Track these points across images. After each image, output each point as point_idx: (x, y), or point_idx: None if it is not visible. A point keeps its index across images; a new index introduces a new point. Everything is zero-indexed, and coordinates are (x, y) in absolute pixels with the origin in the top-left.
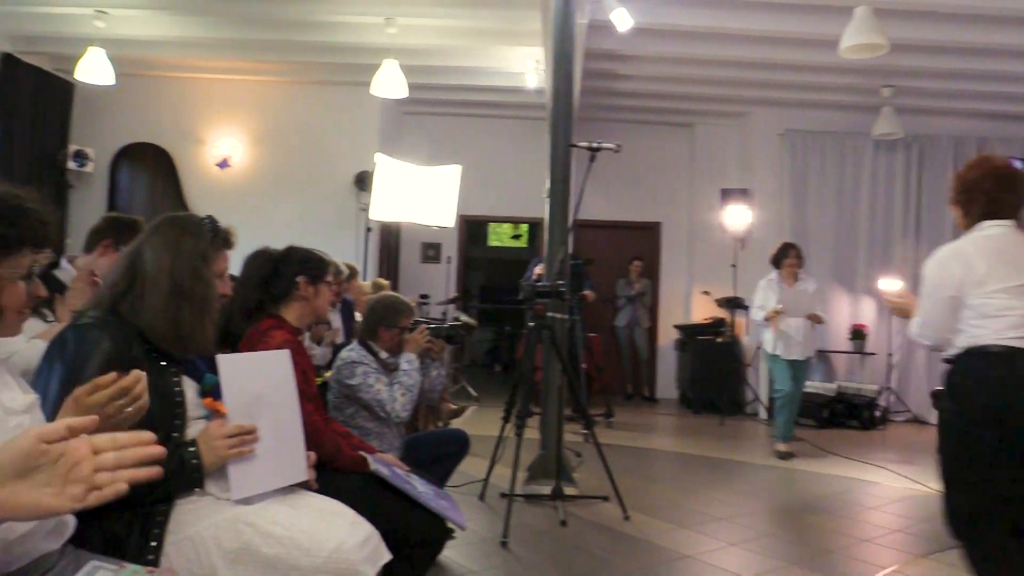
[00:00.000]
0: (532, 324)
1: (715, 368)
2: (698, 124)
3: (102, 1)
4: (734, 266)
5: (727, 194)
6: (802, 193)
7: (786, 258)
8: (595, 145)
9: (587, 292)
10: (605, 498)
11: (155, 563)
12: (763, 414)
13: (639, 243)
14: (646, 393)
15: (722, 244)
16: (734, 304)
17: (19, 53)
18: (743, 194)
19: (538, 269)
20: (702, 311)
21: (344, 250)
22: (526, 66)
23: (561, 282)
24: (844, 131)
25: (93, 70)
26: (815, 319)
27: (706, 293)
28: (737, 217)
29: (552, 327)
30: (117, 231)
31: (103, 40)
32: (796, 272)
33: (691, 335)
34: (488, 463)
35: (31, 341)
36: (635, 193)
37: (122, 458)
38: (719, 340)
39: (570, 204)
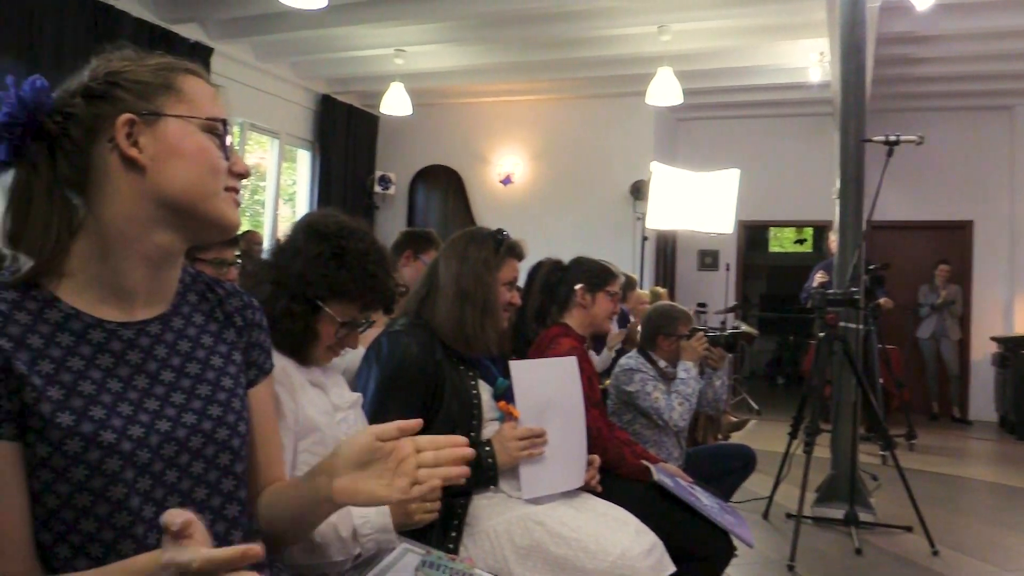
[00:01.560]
0: (822, 334)
1: None
2: (1018, 105)
3: (400, 41)
4: None
5: None
6: None
7: None
8: (893, 139)
9: (883, 300)
10: (908, 528)
11: (455, 551)
12: None
13: (945, 245)
14: (955, 414)
15: None
16: None
17: (334, 93)
18: None
19: (819, 276)
20: None
21: (621, 259)
22: (808, 60)
23: (855, 289)
24: None
25: (394, 103)
26: None
27: None
28: None
29: (845, 338)
30: (415, 243)
31: (402, 75)
32: None
33: (1014, 349)
34: (772, 481)
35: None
36: (941, 189)
37: (439, 457)
38: None
39: (864, 204)
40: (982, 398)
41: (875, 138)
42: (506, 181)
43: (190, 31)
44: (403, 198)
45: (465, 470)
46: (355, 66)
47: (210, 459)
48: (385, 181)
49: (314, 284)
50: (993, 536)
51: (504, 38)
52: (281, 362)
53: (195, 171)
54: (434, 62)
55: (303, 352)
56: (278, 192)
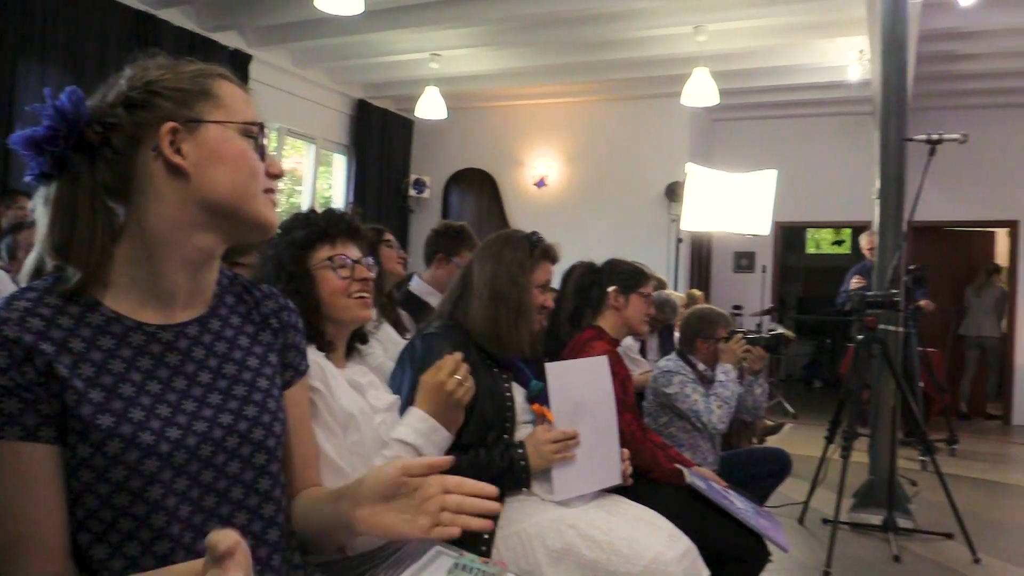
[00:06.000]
0: (860, 337)
1: None
2: None
3: (435, 45)
4: None
5: None
6: None
7: None
8: (935, 137)
9: (924, 302)
10: (949, 535)
11: (487, 554)
12: None
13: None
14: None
15: None
16: None
17: (369, 98)
18: None
19: (854, 281)
20: None
21: (656, 262)
22: (848, 58)
23: (895, 291)
24: None
25: (429, 107)
26: None
27: None
28: None
29: (884, 341)
30: (446, 243)
31: (437, 79)
32: None
33: None
34: (809, 485)
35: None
36: (985, 188)
37: (463, 504)
38: None
39: (905, 205)
40: None
41: (917, 137)
42: (540, 184)
43: (229, 39)
44: (437, 201)
45: (488, 524)
46: (391, 71)
47: (246, 459)
48: (420, 184)
49: (287, 257)
50: None
51: (539, 41)
52: (317, 358)
53: (236, 174)
54: (468, 66)
55: (327, 335)
56: (314, 196)
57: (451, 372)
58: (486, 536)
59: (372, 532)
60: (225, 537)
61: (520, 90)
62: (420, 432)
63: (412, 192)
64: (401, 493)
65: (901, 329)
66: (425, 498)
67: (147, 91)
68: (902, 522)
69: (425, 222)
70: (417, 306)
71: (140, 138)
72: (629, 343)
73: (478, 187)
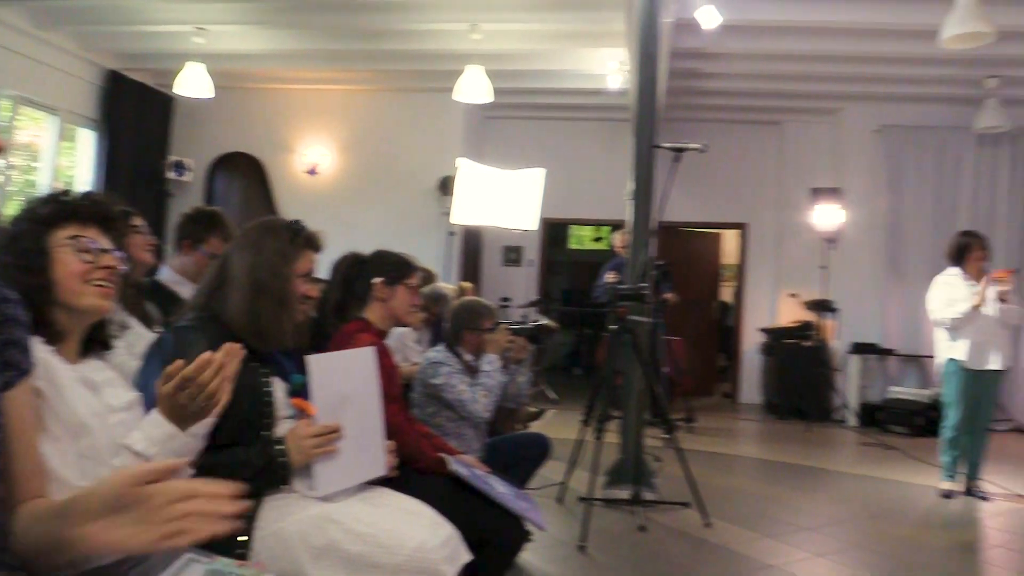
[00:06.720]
0: (614, 327)
1: (802, 373)
2: (787, 122)
3: (201, 18)
4: (824, 267)
5: (817, 193)
6: (898, 191)
7: (970, 251)
8: (680, 146)
9: (669, 295)
10: (686, 504)
11: (244, 557)
12: (851, 421)
13: (724, 244)
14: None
15: (811, 245)
16: (823, 307)
17: (123, 70)
18: (834, 193)
19: (609, 276)
20: (789, 314)
21: (428, 254)
22: (609, 67)
23: (644, 285)
24: (944, 125)
25: (192, 84)
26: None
27: (793, 295)
28: (827, 217)
29: (634, 330)
30: (195, 230)
31: (202, 55)
32: (983, 267)
33: (777, 339)
34: (567, 466)
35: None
36: (721, 194)
37: (197, 509)
38: (806, 344)
39: (653, 206)
40: (750, 382)
41: (665, 145)
42: (312, 172)
43: None
44: (200, 186)
45: (229, 526)
46: (149, 41)
47: None
48: (180, 167)
49: (24, 230)
50: (758, 507)
51: (313, 24)
52: (42, 353)
53: None
54: (237, 43)
55: (57, 324)
56: (56, 174)
57: (178, 385)
58: (242, 539)
59: (102, 550)
60: None
61: (293, 74)
62: (154, 440)
63: (171, 174)
64: (130, 504)
65: (649, 320)
66: (159, 506)
67: None
68: (648, 495)
69: (186, 207)
70: (166, 297)
71: None
72: (406, 332)
73: (246, 173)
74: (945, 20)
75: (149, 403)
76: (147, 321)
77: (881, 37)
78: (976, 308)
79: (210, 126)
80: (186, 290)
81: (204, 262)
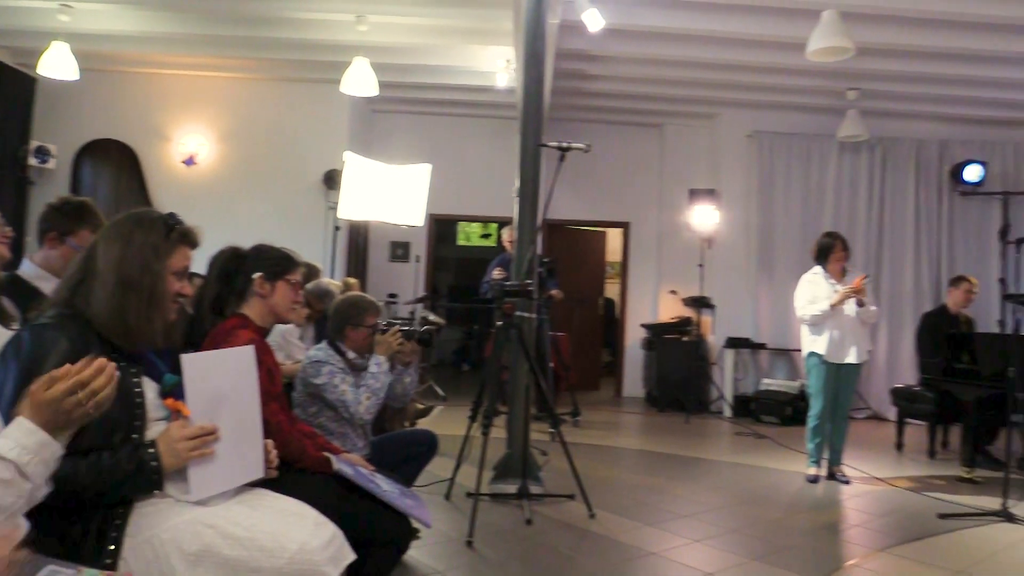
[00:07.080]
0: (500, 323)
1: (681, 366)
2: (667, 124)
3: None
4: (701, 266)
5: (695, 194)
6: (769, 194)
7: (832, 251)
8: (565, 145)
9: (555, 292)
10: (571, 496)
11: (113, 567)
12: (727, 412)
13: (609, 242)
14: None
15: (690, 244)
16: (701, 303)
17: None
18: (711, 194)
19: (496, 273)
20: (669, 310)
21: (312, 249)
22: (497, 65)
23: (530, 281)
24: (810, 132)
25: (56, 65)
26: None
27: (673, 292)
28: (704, 217)
29: (520, 326)
30: (61, 221)
31: (67, 34)
32: (844, 266)
33: (658, 334)
34: (454, 462)
35: None
36: (605, 194)
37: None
38: (685, 339)
39: (539, 204)
40: (633, 377)
41: (550, 143)
42: (189, 162)
43: None
44: (66, 174)
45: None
46: (7, 17)
47: None
48: (43, 153)
49: None
50: (640, 496)
51: (190, 7)
52: None
53: None
54: (107, 23)
55: None
56: None
57: (69, 391)
58: (111, 547)
59: None
60: None
61: (168, 58)
62: (26, 447)
63: (33, 161)
64: None
65: (535, 316)
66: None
67: None
68: (534, 489)
69: (50, 196)
70: (27, 293)
71: None
72: (290, 328)
73: (116, 161)
74: (811, 34)
75: (4, 406)
76: (3, 318)
77: (753, 47)
78: (833, 307)
79: (78, 110)
80: (50, 286)
81: (71, 256)
